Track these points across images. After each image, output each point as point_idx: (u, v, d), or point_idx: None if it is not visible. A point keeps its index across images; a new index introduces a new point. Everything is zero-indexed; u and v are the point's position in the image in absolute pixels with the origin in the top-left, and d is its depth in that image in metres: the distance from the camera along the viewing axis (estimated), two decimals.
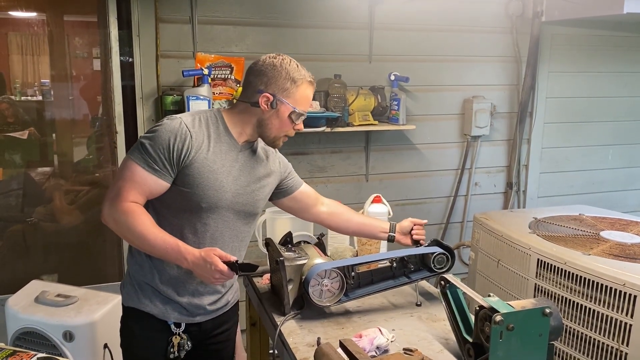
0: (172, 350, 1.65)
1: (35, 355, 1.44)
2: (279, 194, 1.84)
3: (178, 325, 1.66)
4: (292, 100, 1.60)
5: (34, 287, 2.35)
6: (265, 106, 1.58)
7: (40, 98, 3.71)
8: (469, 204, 3.53)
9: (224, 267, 1.44)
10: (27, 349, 1.70)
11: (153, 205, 1.60)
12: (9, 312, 2.19)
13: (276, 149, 1.79)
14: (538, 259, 2.21)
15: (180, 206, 1.58)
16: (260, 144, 1.72)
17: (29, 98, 3.80)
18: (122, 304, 1.70)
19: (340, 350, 1.20)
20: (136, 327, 1.67)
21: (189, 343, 1.68)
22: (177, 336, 1.66)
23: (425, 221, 1.95)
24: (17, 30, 4.04)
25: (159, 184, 1.53)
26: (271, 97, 1.58)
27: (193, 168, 1.54)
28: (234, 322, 1.85)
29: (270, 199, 1.82)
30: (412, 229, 1.92)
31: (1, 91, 3.46)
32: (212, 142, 1.58)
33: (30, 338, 2.15)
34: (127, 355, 1.73)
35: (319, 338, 1.53)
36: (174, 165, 1.52)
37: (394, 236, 1.91)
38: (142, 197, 1.53)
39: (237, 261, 1.46)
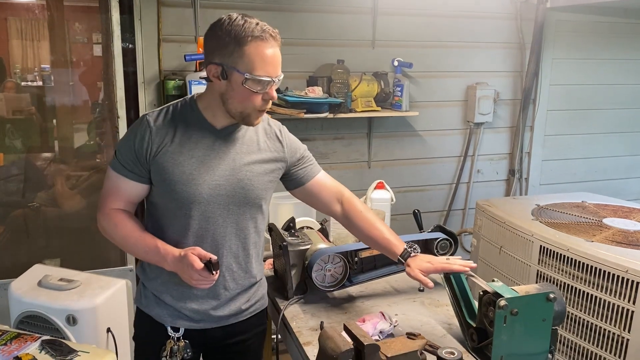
0: (163, 354, 1.55)
1: (40, 338, 1.44)
2: (288, 184, 1.66)
3: (176, 329, 1.56)
4: (241, 64, 1.37)
5: (37, 271, 2.35)
6: (217, 79, 1.41)
7: (40, 83, 3.69)
8: (471, 191, 3.53)
9: (200, 266, 1.36)
10: (30, 332, 1.70)
11: (147, 210, 1.57)
12: (12, 296, 2.19)
13: (281, 130, 1.61)
14: (541, 246, 2.21)
15: (163, 206, 1.51)
16: (262, 123, 1.57)
17: (29, 83, 3.78)
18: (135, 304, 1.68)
19: (344, 334, 1.20)
20: (138, 327, 1.64)
21: (188, 350, 1.56)
22: (172, 341, 1.55)
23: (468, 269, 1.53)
24: (17, 15, 4.01)
25: (136, 187, 1.49)
26: (219, 67, 1.39)
27: (157, 164, 1.46)
28: (256, 332, 1.67)
29: (286, 188, 1.68)
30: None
31: (1, 76, 3.44)
32: (178, 132, 1.47)
33: (34, 322, 2.15)
34: (135, 355, 1.69)
35: (322, 322, 1.53)
36: (140, 164, 1.47)
37: (404, 263, 1.59)
38: (123, 203, 1.50)
39: (217, 260, 1.39)
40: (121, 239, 1.48)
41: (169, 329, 1.56)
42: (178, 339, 1.56)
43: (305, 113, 2.79)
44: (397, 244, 1.59)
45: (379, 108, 3.03)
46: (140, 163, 1.46)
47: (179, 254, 1.40)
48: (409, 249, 1.58)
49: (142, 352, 1.64)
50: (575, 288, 2.06)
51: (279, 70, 1.44)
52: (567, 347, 2.10)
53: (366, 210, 1.66)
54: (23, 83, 3.74)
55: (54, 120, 3.43)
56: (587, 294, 2.01)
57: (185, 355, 1.56)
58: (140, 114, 2.79)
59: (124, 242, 1.49)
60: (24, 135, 3.35)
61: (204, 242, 1.49)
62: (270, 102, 1.47)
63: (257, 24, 1.40)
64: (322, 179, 1.66)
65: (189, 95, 1.55)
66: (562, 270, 2.12)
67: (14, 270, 2.42)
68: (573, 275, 2.07)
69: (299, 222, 1.98)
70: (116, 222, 1.47)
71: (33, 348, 1.42)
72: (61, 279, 2.24)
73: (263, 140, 1.56)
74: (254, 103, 1.42)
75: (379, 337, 1.44)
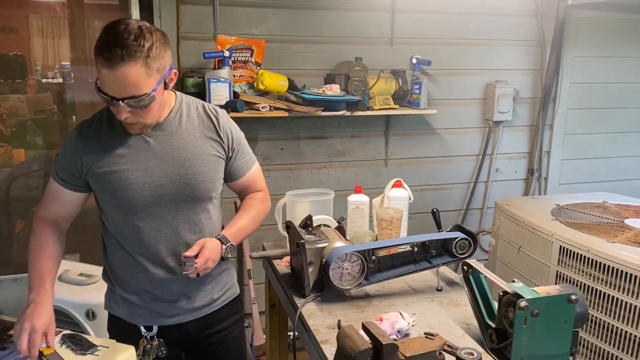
0: (137, 353, 1.50)
1: (61, 332, 1.46)
2: (226, 176, 1.61)
3: (149, 328, 1.56)
4: (97, 73, 1.35)
5: None
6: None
7: (60, 80, 3.74)
8: (489, 190, 3.49)
9: (24, 344, 1.30)
10: None
11: (101, 220, 1.57)
12: None
13: (218, 117, 1.56)
14: (560, 246, 2.18)
15: (110, 213, 1.51)
16: (197, 112, 1.53)
17: (50, 80, 3.83)
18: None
19: (362, 333, 1.19)
20: (111, 332, 1.62)
21: (163, 349, 1.56)
22: (145, 339, 1.55)
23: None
24: (38, 13, 4.06)
25: (72, 195, 1.50)
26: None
27: (94, 174, 1.46)
28: (233, 320, 1.71)
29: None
30: None
31: (23, 73, 3.49)
32: (109, 139, 1.45)
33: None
34: None
35: (339, 320, 1.53)
36: (75, 176, 1.48)
37: None
38: (59, 208, 1.51)
39: (43, 354, 1.32)
40: (29, 250, 1.46)
41: (141, 328, 1.57)
42: (152, 337, 1.56)
43: (323, 111, 2.78)
44: (230, 230, 1.57)
45: (397, 106, 3.02)
46: (75, 175, 1.47)
47: (29, 308, 1.35)
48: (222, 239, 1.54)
49: None
50: (596, 289, 2.03)
51: (126, 92, 1.32)
52: (588, 349, 2.07)
53: (255, 199, 1.68)
54: (44, 80, 3.79)
55: (74, 117, 3.48)
56: (608, 295, 1.98)
57: (160, 353, 1.55)
58: None
59: (29, 255, 1.46)
60: (44, 131, 3.40)
61: (159, 242, 1.50)
62: (129, 118, 1.38)
63: (116, 34, 1.30)
64: (253, 174, 1.66)
65: None
66: (583, 271, 2.09)
67: None
68: (593, 277, 2.04)
69: (316, 220, 1.97)
70: (36, 230, 1.48)
71: (55, 341, 1.43)
72: (81, 274, 2.27)
73: (200, 131, 1.52)
74: (115, 114, 1.39)
75: (397, 336, 1.44)
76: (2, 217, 3.25)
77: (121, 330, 1.58)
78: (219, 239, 1.52)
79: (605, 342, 2.00)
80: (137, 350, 1.49)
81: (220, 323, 1.67)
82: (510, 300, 1.29)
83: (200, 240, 1.49)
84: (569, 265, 2.15)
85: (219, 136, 1.55)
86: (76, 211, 1.55)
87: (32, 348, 1.30)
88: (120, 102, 1.33)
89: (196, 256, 1.43)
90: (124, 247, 1.54)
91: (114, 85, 1.32)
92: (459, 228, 1.81)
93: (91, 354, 1.36)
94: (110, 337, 1.58)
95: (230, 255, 1.56)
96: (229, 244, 1.53)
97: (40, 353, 1.31)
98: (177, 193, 1.48)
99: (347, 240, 1.90)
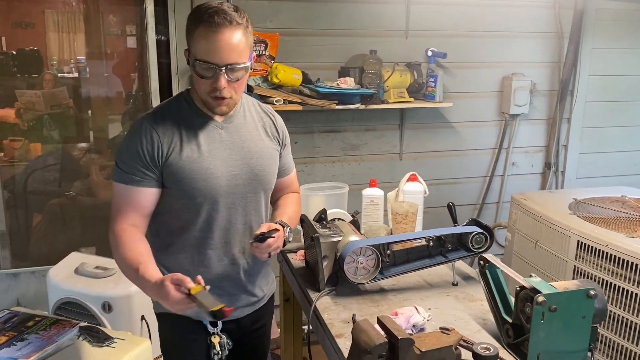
0: (214, 351, 1.51)
1: (77, 324, 1.47)
2: None
3: (214, 324, 1.54)
4: (192, 47, 1.37)
5: (74, 259, 2.40)
6: (187, 63, 1.41)
7: (76, 75, 3.76)
8: (505, 184, 3.46)
9: (177, 296, 1.22)
10: (68, 318, 1.74)
11: (157, 217, 1.49)
12: (50, 282, 2.25)
13: (273, 113, 1.63)
14: (578, 241, 2.15)
15: (182, 207, 1.46)
16: (254, 108, 1.59)
17: (65, 75, 3.85)
18: (154, 312, 1.59)
19: (377, 327, 1.18)
20: (171, 333, 1.57)
21: (229, 342, 1.56)
22: (216, 336, 1.53)
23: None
24: (54, 7, 4.08)
25: (148, 193, 1.42)
26: (187, 51, 1.41)
27: (172, 165, 1.42)
28: (269, 315, 1.77)
29: None
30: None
31: (39, 68, 3.52)
32: (183, 130, 1.44)
33: (71, 308, 2.21)
34: None
35: (354, 315, 1.52)
36: (153, 168, 1.41)
37: None
38: (138, 215, 1.42)
39: (204, 287, 1.25)
40: (117, 258, 1.38)
41: (208, 325, 1.53)
42: (218, 333, 1.54)
43: (337, 104, 2.77)
44: (286, 218, 1.60)
45: (412, 99, 2.99)
46: (149, 168, 1.41)
47: (155, 280, 1.27)
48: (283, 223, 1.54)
49: (180, 356, 1.57)
50: (614, 284, 2.00)
51: (229, 58, 1.36)
52: (606, 345, 2.04)
53: (295, 198, 1.75)
54: (59, 75, 3.82)
55: (89, 112, 3.50)
56: (627, 290, 1.95)
57: (229, 346, 1.55)
58: None
59: (118, 261, 1.38)
60: (60, 126, 3.42)
61: (230, 233, 1.51)
62: (225, 90, 1.39)
63: (215, 6, 1.35)
64: (293, 175, 1.74)
65: (183, 90, 1.53)
66: (601, 266, 2.06)
67: (51, 257, 2.48)
68: (612, 272, 2.01)
69: (331, 213, 1.97)
70: (119, 240, 1.38)
71: (72, 334, 1.45)
72: (97, 267, 2.29)
73: (260, 126, 1.57)
74: (204, 88, 1.40)
75: (412, 331, 1.42)
76: (20, 210, 3.29)
77: (184, 330, 1.54)
78: (280, 223, 1.52)
79: (624, 338, 1.97)
80: (213, 347, 1.49)
81: (263, 318, 1.71)
82: (527, 295, 1.27)
83: (265, 223, 1.50)
84: (586, 260, 2.12)
85: (277, 133, 1.61)
86: (147, 221, 1.46)
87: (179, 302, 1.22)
88: (223, 69, 1.35)
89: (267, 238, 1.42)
90: (189, 243, 1.50)
91: (218, 51, 1.34)
92: (475, 222, 1.79)
93: (107, 345, 1.38)
94: (168, 338, 1.56)
95: (290, 240, 1.58)
96: (289, 227, 1.54)
97: (188, 292, 1.22)
98: (249, 184, 1.51)
99: (361, 234, 1.89)
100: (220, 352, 1.52)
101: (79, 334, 1.42)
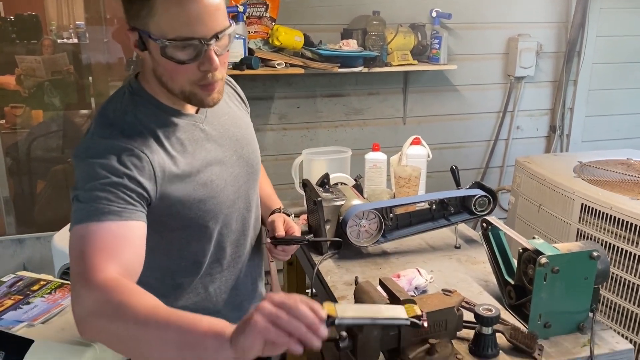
0: None
1: None
2: None
3: None
4: (154, 26, 0.99)
5: None
6: (138, 50, 1.05)
7: (75, 41, 3.71)
8: (510, 148, 3.43)
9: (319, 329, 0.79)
10: None
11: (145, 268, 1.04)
12: (55, 248, 2.27)
13: (231, 82, 1.35)
14: (582, 204, 2.14)
15: (179, 244, 1.16)
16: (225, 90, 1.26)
17: (65, 41, 3.80)
18: None
19: (380, 289, 1.19)
20: None
21: None
22: None
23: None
24: None
25: (134, 227, 0.98)
26: (135, 33, 1.03)
27: (170, 191, 1.08)
28: None
29: None
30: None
31: (38, 33, 3.47)
32: (166, 142, 1.09)
33: None
34: None
35: (356, 277, 1.52)
36: (145, 197, 1.03)
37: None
38: (120, 266, 0.92)
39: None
40: (117, 327, 0.84)
41: None
42: None
43: (339, 67, 2.72)
44: (276, 200, 1.49)
45: (416, 61, 2.94)
46: (145, 191, 1.03)
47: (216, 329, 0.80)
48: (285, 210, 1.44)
49: None
50: (617, 247, 2.00)
51: (216, 23, 1.02)
52: (608, 307, 2.05)
53: (263, 172, 1.53)
54: (59, 40, 3.77)
55: (90, 78, 3.47)
56: (630, 252, 1.95)
57: None
58: None
59: (123, 333, 0.84)
60: (61, 92, 3.40)
61: (240, 245, 1.28)
62: (217, 72, 1.07)
63: None
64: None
65: (126, 85, 1.15)
66: (604, 229, 2.06)
67: (56, 223, 2.49)
68: (616, 234, 2.01)
69: (333, 178, 1.96)
70: (117, 295, 0.86)
71: None
72: None
73: (228, 99, 1.30)
74: (187, 77, 1.05)
75: (414, 293, 1.43)
76: (24, 177, 3.30)
77: None
78: (284, 212, 1.41)
79: (626, 299, 1.98)
80: None
81: None
82: (530, 257, 1.27)
83: (272, 216, 1.37)
84: (590, 223, 2.12)
85: (242, 101, 1.38)
86: (143, 258, 1.00)
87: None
88: (211, 41, 1.01)
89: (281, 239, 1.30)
90: (198, 277, 1.22)
91: (201, 17, 0.99)
92: (478, 185, 1.78)
93: None
94: None
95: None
96: (290, 213, 1.44)
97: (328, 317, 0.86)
98: (247, 180, 1.26)
99: (364, 198, 1.88)
100: None
101: None
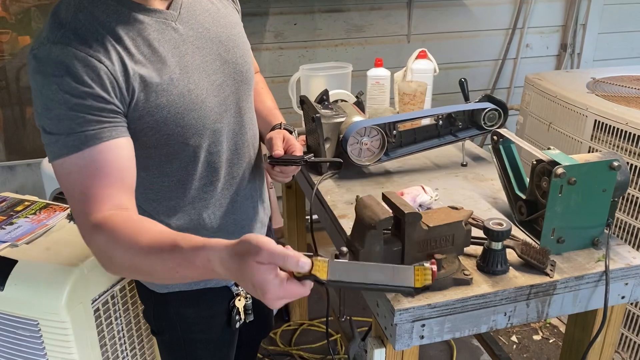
0: (238, 317, 1.22)
1: (68, 208, 1.41)
2: None
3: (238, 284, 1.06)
4: None
5: None
6: None
7: None
8: (518, 68, 3.27)
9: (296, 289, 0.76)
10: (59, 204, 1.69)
11: (139, 190, 1.01)
12: (45, 173, 2.21)
13: None
14: (595, 120, 2.03)
15: (155, 151, 1.02)
16: None
17: None
18: (155, 292, 1.18)
19: (382, 203, 1.10)
20: (189, 311, 1.20)
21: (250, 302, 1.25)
22: (241, 297, 1.21)
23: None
24: None
25: (124, 146, 0.91)
26: None
27: (142, 104, 0.94)
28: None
29: None
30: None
31: None
32: (131, 44, 0.93)
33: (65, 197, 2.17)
34: (179, 351, 1.24)
35: (357, 196, 1.45)
36: (125, 100, 0.93)
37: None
38: (123, 186, 0.90)
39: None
40: (124, 258, 0.85)
41: (232, 287, 1.22)
42: (242, 292, 1.23)
43: None
44: (278, 115, 1.34)
45: None
46: (122, 104, 0.92)
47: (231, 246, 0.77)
48: (286, 126, 1.29)
49: (200, 336, 1.23)
50: (632, 164, 1.91)
51: None
52: (621, 229, 1.99)
53: (261, 83, 1.42)
54: None
55: None
56: None
57: (250, 308, 1.26)
58: None
59: (130, 263, 0.85)
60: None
61: (235, 164, 1.15)
62: None
63: None
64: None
65: None
66: (618, 146, 1.96)
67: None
68: (630, 151, 1.92)
69: (333, 94, 1.84)
70: (119, 230, 0.84)
71: (62, 217, 1.39)
72: None
73: (218, 0, 1.13)
74: None
75: (419, 210, 1.35)
76: (13, 104, 3.19)
77: (206, 305, 1.21)
78: (286, 128, 1.26)
79: (637, 219, 1.91)
80: (233, 314, 1.21)
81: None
82: (544, 168, 1.18)
83: (271, 133, 1.23)
84: (603, 140, 2.02)
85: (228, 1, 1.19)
86: (133, 194, 0.94)
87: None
88: None
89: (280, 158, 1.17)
90: (188, 201, 1.12)
91: None
92: (488, 98, 1.67)
93: None
94: (180, 328, 1.21)
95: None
96: (294, 130, 1.29)
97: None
98: (237, 89, 1.11)
99: (366, 116, 1.78)
100: (243, 317, 1.24)
101: (70, 218, 1.36)
